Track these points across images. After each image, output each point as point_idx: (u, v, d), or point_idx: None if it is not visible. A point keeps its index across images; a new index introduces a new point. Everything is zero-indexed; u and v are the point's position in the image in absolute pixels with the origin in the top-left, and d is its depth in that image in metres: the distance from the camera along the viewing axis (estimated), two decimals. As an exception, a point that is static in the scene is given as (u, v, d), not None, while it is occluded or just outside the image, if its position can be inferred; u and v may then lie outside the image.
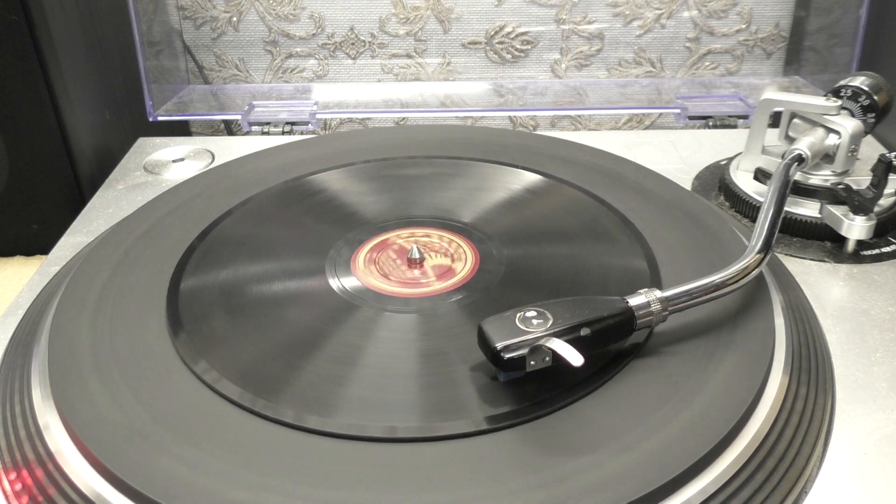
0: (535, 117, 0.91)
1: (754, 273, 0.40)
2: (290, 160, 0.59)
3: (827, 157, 0.54)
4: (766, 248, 0.42)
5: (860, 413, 0.38)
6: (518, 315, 0.35)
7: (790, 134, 0.56)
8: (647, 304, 0.37)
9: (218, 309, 0.42)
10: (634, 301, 0.37)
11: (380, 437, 0.33)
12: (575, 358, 0.32)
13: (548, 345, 0.33)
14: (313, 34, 0.85)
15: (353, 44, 0.85)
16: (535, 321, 0.35)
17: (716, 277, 0.39)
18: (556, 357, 0.33)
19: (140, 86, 0.73)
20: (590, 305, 0.36)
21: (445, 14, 0.84)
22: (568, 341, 0.33)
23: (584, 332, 0.35)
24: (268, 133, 0.73)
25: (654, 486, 0.31)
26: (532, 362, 0.34)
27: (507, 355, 0.34)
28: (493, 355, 0.34)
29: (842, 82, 0.56)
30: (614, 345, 0.37)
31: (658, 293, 0.37)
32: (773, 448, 0.34)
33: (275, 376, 0.37)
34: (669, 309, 0.37)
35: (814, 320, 0.44)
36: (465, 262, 0.46)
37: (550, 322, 0.35)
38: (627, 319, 0.36)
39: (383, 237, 0.49)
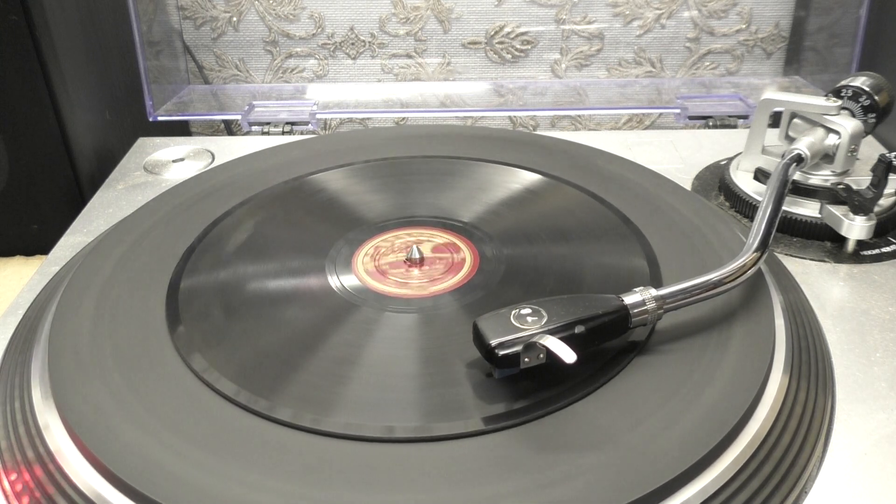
0: (535, 117, 0.91)
1: (751, 272, 0.40)
2: (290, 160, 0.59)
3: (827, 157, 0.54)
4: (764, 246, 0.42)
5: (860, 413, 0.38)
6: (513, 312, 0.35)
7: (790, 134, 0.56)
8: (643, 303, 0.37)
9: (218, 309, 0.42)
10: (629, 299, 0.37)
11: (378, 437, 0.33)
12: (568, 355, 0.32)
13: (542, 342, 0.33)
14: (313, 34, 0.85)
15: (353, 44, 0.85)
16: (529, 318, 0.35)
17: (712, 276, 0.39)
18: (550, 354, 0.33)
19: (140, 86, 0.73)
20: (584, 303, 0.36)
21: (445, 14, 0.84)
22: (562, 339, 0.33)
23: (579, 329, 0.35)
24: (268, 133, 0.73)
25: (654, 486, 0.31)
26: (526, 359, 0.34)
27: (502, 352, 0.34)
28: (488, 352, 0.34)
29: (843, 82, 0.55)
30: (613, 343, 0.37)
31: (653, 291, 0.37)
32: (773, 448, 0.34)
33: (274, 376, 0.37)
34: (665, 307, 0.37)
35: (814, 320, 0.44)
36: (465, 262, 0.46)
37: (545, 319, 0.35)
38: (622, 317, 0.36)
39: (383, 237, 0.49)
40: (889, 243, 0.52)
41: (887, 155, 0.50)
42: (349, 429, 0.33)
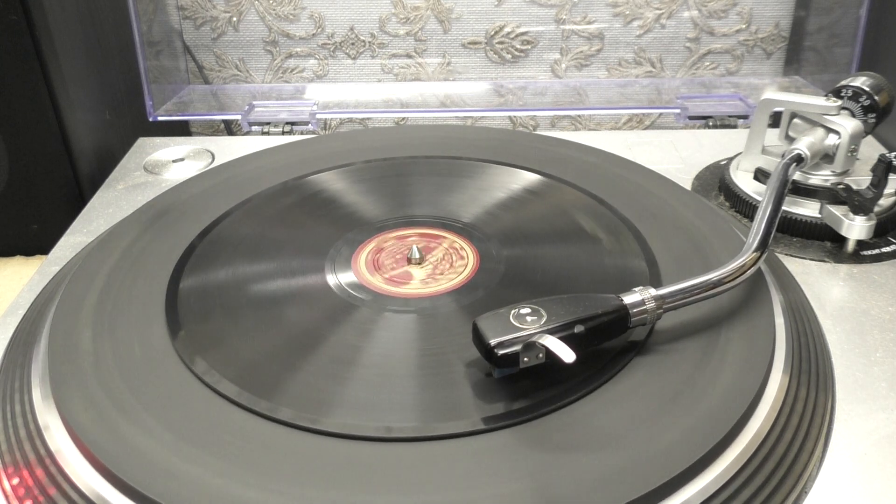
0: (535, 117, 0.91)
1: (751, 271, 0.40)
2: (290, 160, 0.59)
3: (827, 157, 0.54)
4: (763, 246, 0.42)
5: (860, 413, 0.38)
6: (512, 312, 0.35)
7: (790, 134, 0.56)
8: (642, 302, 0.37)
9: (218, 309, 0.42)
10: (629, 299, 0.37)
11: (378, 437, 0.33)
12: (567, 355, 0.32)
13: (541, 342, 0.33)
14: (313, 34, 0.85)
15: (353, 44, 0.85)
16: (529, 318, 0.35)
17: (711, 276, 0.39)
18: (549, 354, 0.33)
19: (140, 86, 0.73)
20: (584, 303, 0.36)
21: (445, 14, 0.84)
22: (562, 338, 0.34)
23: (578, 329, 0.35)
24: (268, 133, 0.73)
25: (654, 486, 0.31)
26: (525, 359, 0.34)
27: (501, 352, 0.34)
28: (487, 352, 0.34)
29: (843, 82, 0.55)
30: (613, 343, 0.37)
31: (653, 291, 0.37)
32: (773, 448, 0.34)
33: (274, 376, 0.37)
34: (665, 307, 0.37)
35: (814, 320, 0.44)
36: (465, 262, 0.46)
37: (544, 319, 0.35)
38: (621, 317, 0.36)
39: (383, 237, 0.49)
40: (889, 243, 0.52)
41: (887, 155, 0.50)
42: (349, 429, 0.33)
